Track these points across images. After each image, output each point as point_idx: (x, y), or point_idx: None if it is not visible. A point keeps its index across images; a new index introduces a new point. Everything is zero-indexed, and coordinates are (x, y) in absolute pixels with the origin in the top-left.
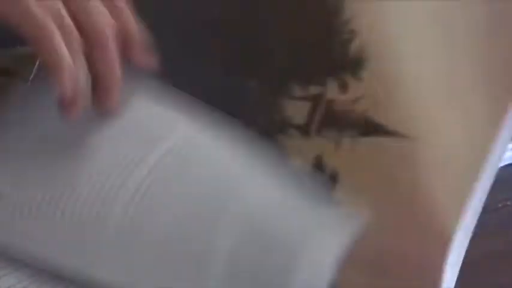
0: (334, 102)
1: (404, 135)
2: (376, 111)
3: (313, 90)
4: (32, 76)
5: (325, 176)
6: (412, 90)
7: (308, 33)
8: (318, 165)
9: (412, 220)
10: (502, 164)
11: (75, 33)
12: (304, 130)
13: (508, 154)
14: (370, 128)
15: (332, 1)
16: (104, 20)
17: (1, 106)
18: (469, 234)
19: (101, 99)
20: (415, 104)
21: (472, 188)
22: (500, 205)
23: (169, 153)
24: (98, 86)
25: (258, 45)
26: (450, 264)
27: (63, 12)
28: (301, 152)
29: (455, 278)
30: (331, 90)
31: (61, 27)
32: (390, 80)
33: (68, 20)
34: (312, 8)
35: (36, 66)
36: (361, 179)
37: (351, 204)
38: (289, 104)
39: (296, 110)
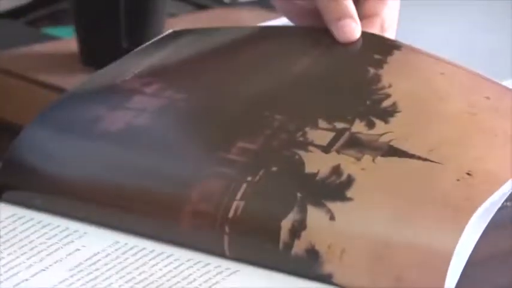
0: (359, 134)
1: (427, 160)
2: (400, 142)
3: (339, 125)
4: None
5: (341, 179)
6: (437, 129)
7: (344, 89)
8: (335, 172)
9: (425, 217)
10: None
11: None
12: (324, 149)
13: None
14: (392, 152)
15: (372, 73)
16: None
17: None
18: (476, 238)
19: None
20: (439, 139)
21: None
22: (499, 206)
23: None
24: None
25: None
26: (452, 266)
27: None
28: (319, 164)
29: (456, 279)
30: (357, 127)
31: None
32: (417, 124)
33: None
34: (354, 75)
35: None
36: (378, 183)
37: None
38: (313, 132)
39: (319, 136)
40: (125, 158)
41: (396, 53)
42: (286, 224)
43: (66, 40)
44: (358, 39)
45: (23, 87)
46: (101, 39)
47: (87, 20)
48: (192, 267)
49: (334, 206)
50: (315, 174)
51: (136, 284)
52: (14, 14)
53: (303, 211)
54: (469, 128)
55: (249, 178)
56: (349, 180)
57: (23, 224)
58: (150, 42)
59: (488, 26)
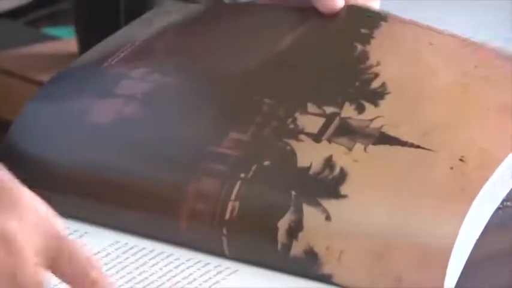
0: (349, 119)
1: (419, 147)
2: (392, 128)
3: (329, 109)
4: None
5: (334, 173)
6: (429, 110)
7: (332, 69)
8: (327, 165)
9: (421, 213)
10: None
11: None
12: (315, 138)
13: None
14: (384, 140)
15: (360, 50)
16: None
17: None
18: (475, 236)
19: None
20: (431, 122)
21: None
22: (500, 205)
23: None
24: None
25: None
26: (451, 265)
27: None
28: (311, 154)
29: (456, 279)
30: (347, 111)
31: None
32: (408, 105)
33: None
34: (341, 53)
35: None
36: (372, 178)
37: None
38: (303, 117)
39: (309, 122)
40: (116, 152)
41: (383, 24)
42: (283, 224)
43: (66, 40)
44: (343, 13)
45: (23, 87)
46: (101, 39)
47: (87, 20)
48: (192, 266)
49: (329, 205)
50: (307, 169)
51: (136, 283)
52: (14, 14)
53: (299, 211)
54: (460, 105)
55: (242, 175)
56: (342, 175)
57: None
58: (134, 22)
59: (488, 26)
